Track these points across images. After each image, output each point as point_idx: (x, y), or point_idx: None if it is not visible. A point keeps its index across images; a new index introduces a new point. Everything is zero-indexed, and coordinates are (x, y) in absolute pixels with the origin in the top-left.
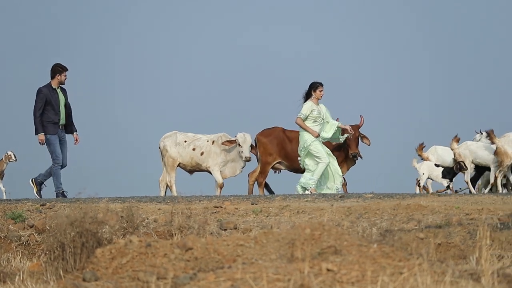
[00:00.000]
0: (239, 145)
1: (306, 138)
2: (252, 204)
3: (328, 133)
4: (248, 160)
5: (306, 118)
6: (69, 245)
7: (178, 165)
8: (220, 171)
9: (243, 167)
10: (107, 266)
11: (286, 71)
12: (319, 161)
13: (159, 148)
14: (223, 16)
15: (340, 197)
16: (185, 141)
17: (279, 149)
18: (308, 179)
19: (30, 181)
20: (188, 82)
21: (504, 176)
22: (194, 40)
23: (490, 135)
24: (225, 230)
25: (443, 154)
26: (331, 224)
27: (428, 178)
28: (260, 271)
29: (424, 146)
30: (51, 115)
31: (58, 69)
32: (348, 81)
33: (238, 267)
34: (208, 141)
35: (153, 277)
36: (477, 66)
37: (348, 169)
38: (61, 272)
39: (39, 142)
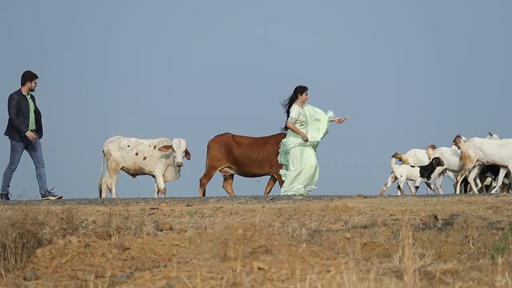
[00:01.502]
0: (173, 150)
1: (290, 142)
2: (187, 205)
3: (319, 133)
4: (180, 165)
5: (295, 122)
6: (10, 246)
7: (122, 169)
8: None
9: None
10: (47, 266)
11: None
12: (290, 168)
13: (103, 152)
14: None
15: (271, 199)
16: (128, 146)
17: (227, 155)
18: (286, 189)
19: None
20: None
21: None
22: (194, 41)
23: (455, 140)
24: (161, 230)
25: (422, 158)
26: (263, 224)
27: (408, 179)
28: (194, 270)
29: (435, 147)
30: (21, 121)
31: (29, 76)
32: (354, 81)
33: (173, 266)
34: (150, 146)
35: (91, 276)
36: (481, 67)
37: None
38: (3, 272)
39: (30, 139)
